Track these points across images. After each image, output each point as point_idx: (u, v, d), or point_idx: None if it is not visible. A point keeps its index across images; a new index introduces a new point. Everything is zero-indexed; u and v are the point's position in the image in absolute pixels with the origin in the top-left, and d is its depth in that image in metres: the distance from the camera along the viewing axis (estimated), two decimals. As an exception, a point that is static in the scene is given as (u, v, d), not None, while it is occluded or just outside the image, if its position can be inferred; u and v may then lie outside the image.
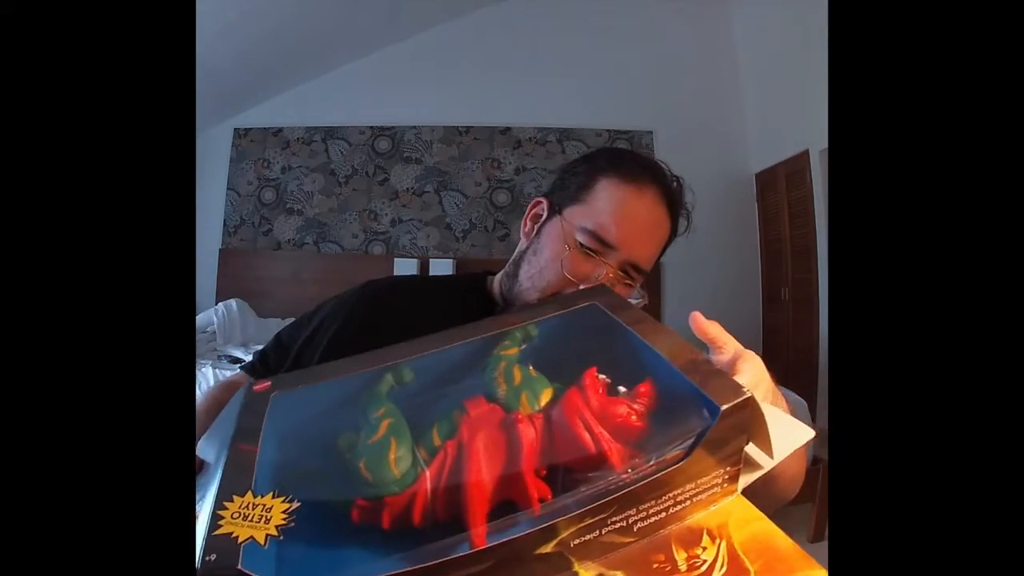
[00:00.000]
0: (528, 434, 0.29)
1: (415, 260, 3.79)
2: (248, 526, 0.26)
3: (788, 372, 3.39)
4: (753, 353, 0.43)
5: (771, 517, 0.33)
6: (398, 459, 0.28)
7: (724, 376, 0.31)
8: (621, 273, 0.62)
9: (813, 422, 2.11)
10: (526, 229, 0.70)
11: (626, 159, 0.67)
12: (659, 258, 0.67)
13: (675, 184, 0.67)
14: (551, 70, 3.94)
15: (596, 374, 0.32)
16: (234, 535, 0.26)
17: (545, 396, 0.31)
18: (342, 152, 3.99)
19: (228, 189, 3.99)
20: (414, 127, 3.99)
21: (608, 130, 3.98)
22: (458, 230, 3.93)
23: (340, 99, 3.98)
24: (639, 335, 0.35)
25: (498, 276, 0.72)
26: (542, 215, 0.68)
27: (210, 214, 3.93)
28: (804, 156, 3.33)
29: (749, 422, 0.30)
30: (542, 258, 0.65)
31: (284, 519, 0.26)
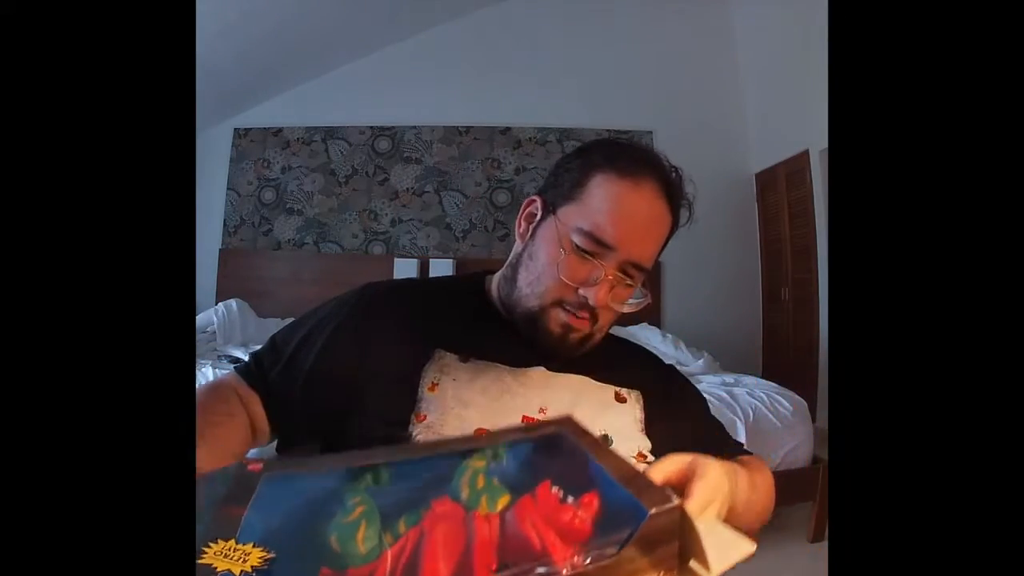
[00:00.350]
0: (483, 531, 0.33)
1: (415, 260, 3.79)
2: (227, 562, 0.29)
3: (788, 372, 3.39)
4: (715, 476, 0.43)
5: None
6: (366, 538, 0.32)
7: (658, 488, 0.35)
8: (620, 274, 0.60)
9: (813, 422, 2.11)
10: (521, 230, 0.67)
11: (621, 152, 0.63)
12: (661, 252, 0.64)
13: (674, 175, 0.63)
14: (551, 70, 3.94)
15: (549, 486, 0.36)
16: (214, 565, 0.29)
17: (502, 501, 0.35)
18: (342, 152, 3.99)
19: (228, 189, 3.99)
20: (414, 127, 3.99)
21: (608, 130, 3.97)
22: (458, 230, 3.93)
23: (340, 99, 3.98)
24: (593, 457, 0.40)
25: (496, 277, 0.70)
26: (536, 215, 0.65)
27: (210, 214, 3.93)
28: (804, 156, 3.33)
29: (679, 529, 0.35)
30: (538, 263, 0.62)
31: (260, 562, 0.30)
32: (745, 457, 0.66)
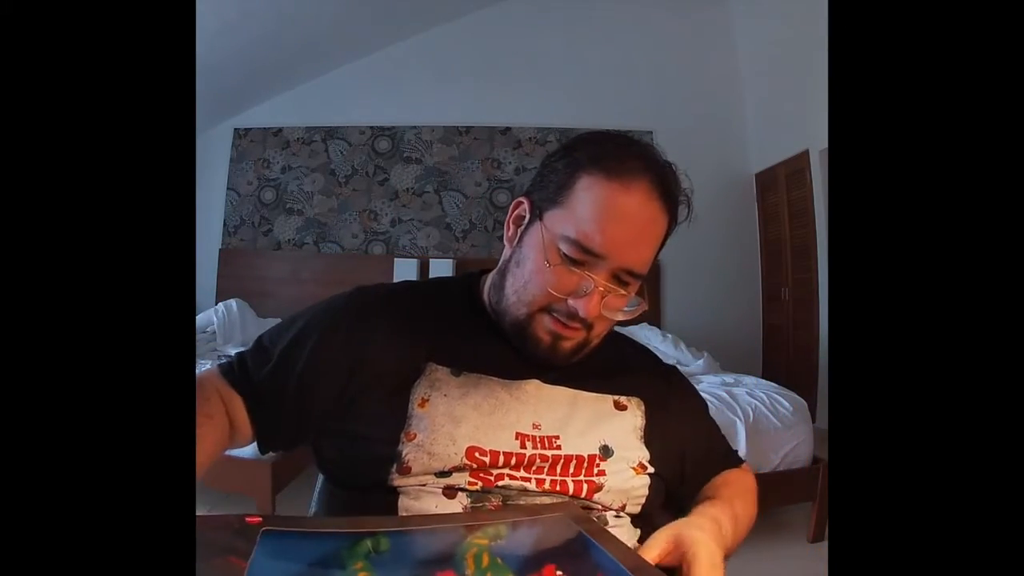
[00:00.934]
0: None
1: (415, 260, 3.79)
2: None
3: (788, 372, 3.40)
4: (708, 555, 0.45)
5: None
6: None
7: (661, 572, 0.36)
8: (613, 282, 0.56)
9: (813, 422, 2.11)
10: (509, 234, 0.63)
11: (608, 150, 0.58)
12: (658, 254, 0.60)
13: (668, 169, 0.58)
14: (551, 70, 3.94)
15: (554, 570, 0.36)
16: None
17: None
18: (342, 152, 3.99)
19: (228, 189, 3.99)
20: (414, 127, 3.99)
21: (608, 130, 3.97)
22: (458, 230, 3.93)
23: (340, 99, 3.98)
24: (597, 543, 0.40)
25: (488, 280, 0.66)
26: (524, 217, 0.61)
27: (210, 214, 3.93)
28: (804, 156, 3.33)
29: None
30: (525, 270, 0.58)
31: None
32: (731, 475, 0.67)
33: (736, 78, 3.99)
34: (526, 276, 0.58)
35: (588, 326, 0.58)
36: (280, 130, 4.01)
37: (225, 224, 3.98)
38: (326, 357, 0.59)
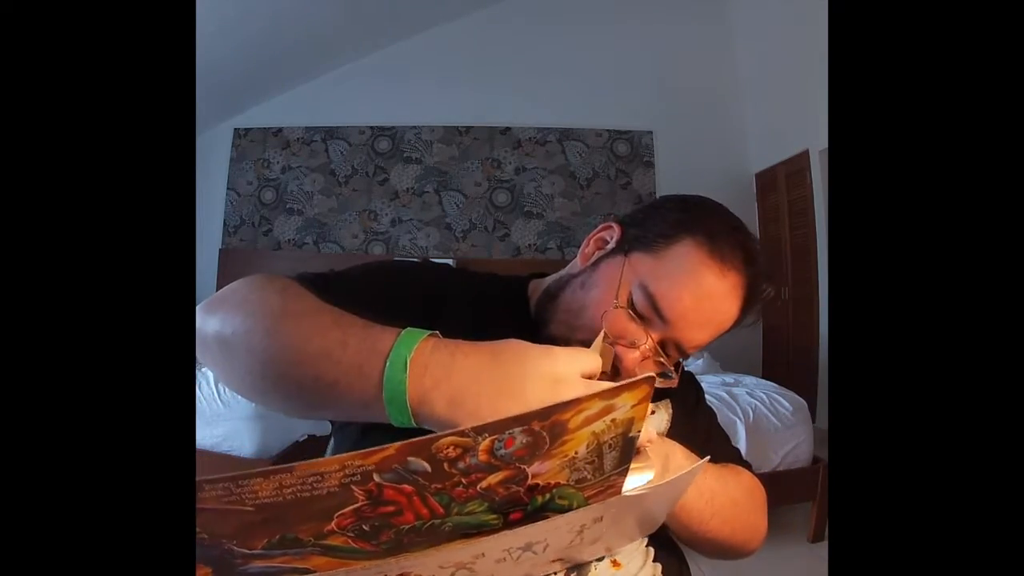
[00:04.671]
0: None
1: (415, 260, 3.79)
2: None
3: (788, 372, 3.40)
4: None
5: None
6: None
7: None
8: (659, 347, 0.54)
9: (813, 422, 2.11)
10: (587, 250, 0.61)
11: (725, 226, 0.56)
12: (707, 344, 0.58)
13: (761, 271, 0.56)
14: (551, 70, 3.94)
15: None
16: None
17: None
18: (342, 152, 3.99)
19: (228, 189, 3.99)
20: (414, 127, 3.99)
21: (608, 130, 3.98)
22: (458, 230, 3.93)
23: (340, 99, 3.98)
24: None
25: (540, 287, 0.64)
26: (607, 243, 0.60)
27: (210, 214, 3.93)
28: (804, 156, 3.33)
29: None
30: (587, 297, 0.56)
31: None
32: (732, 465, 0.65)
33: (736, 78, 3.99)
34: (586, 302, 0.56)
35: (616, 374, 0.56)
36: (280, 130, 4.01)
37: (225, 224, 3.98)
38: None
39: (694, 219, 0.56)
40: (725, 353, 3.05)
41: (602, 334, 0.50)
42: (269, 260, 3.89)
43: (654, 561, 0.56)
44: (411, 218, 3.96)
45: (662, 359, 0.55)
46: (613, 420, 0.30)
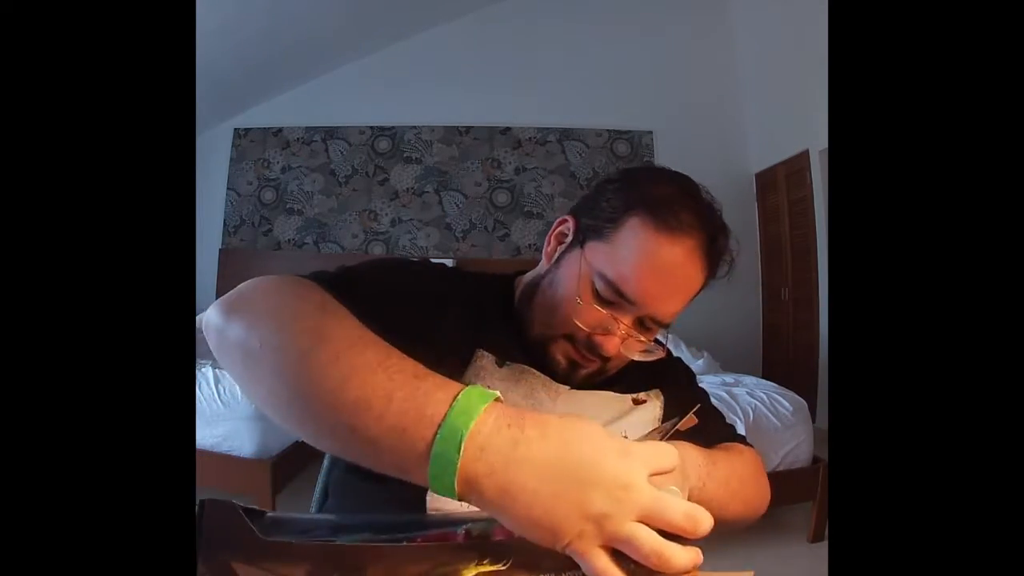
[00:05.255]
0: None
1: (419, 260, 3.79)
2: None
3: (788, 372, 3.40)
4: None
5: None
6: None
7: None
8: (637, 326, 0.55)
9: (813, 422, 2.11)
10: (548, 249, 0.62)
11: (665, 197, 0.55)
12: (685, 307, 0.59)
13: (720, 231, 0.57)
14: (551, 70, 3.94)
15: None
16: None
17: None
18: (342, 152, 3.99)
19: (228, 189, 3.99)
20: (414, 127, 3.99)
21: (608, 130, 3.98)
22: (458, 230, 3.93)
23: (340, 99, 3.98)
24: None
25: (521, 286, 0.66)
26: (567, 236, 0.61)
27: (210, 214, 3.93)
28: (804, 156, 3.33)
29: None
30: (556, 294, 0.58)
31: None
32: (727, 444, 0.65)
33: (736, 78, 3.99)
34: (556, 300, 0.58)
35: (605, 359, 0.58)
36: (280, 130, 4.01)
37: (225, 224, 3.98)
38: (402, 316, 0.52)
39: (636, 195, 0.56)
40: (725, 353, 3.05)
41: (654, 432, 0.51)
42: (269, 260, 3.89)
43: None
44: (411, 218, 3.95)
45: (641, 338, 0.56)
46: None
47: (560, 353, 0.58)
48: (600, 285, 0.54)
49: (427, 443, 0.33)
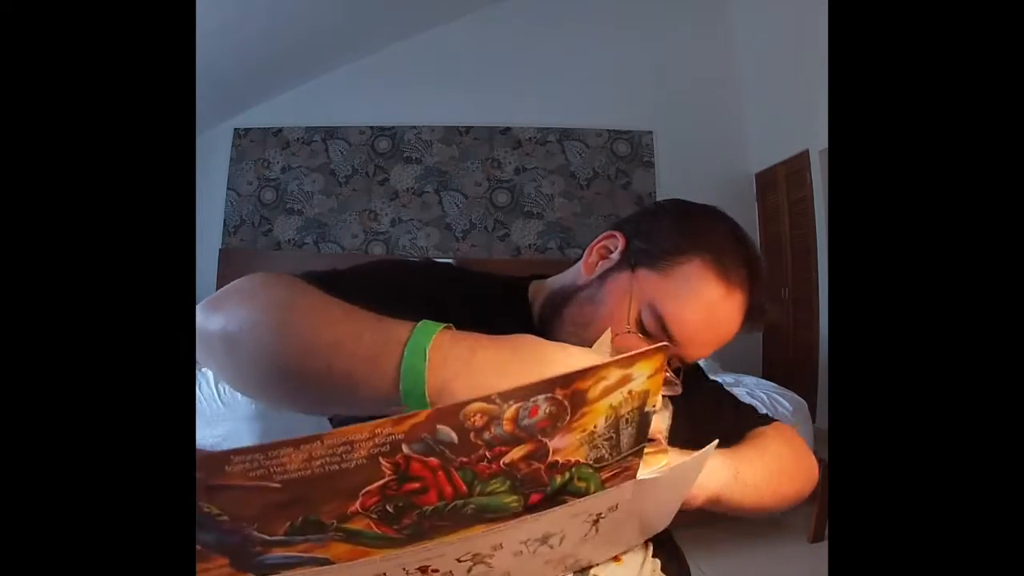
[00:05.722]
0: None
1: (418, 260, 3.79)
2: None
3: (788, 372, 3.39)
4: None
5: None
6: None
7: None
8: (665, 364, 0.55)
9: (813, 422, 2.11)
10: (590, 260, 0.60)
11: (728, 244, 0.56)
12: None
13: (763, 287, 0.57)
14: (551, 70, 3.94)
15: None
16: None
17: None
18: (342, 152, 3.99)
19: (228, 189, 3.99)
20: (414, 127, 3.98)
21: (608, 130, 3.98)
22: (458, 230, 3.93)
23: (340, 99, 3.98)
24: None
25: (541, 292, 0.64)
26: (611, 253, 0.59)
27: (210, 214, 3.92)
28: (804, 156, 3.33)
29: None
30: (596, 312, 0.56)
31: None
32: (760, 429, 0.65)
33: (736, 78, 3.99)
34: (595, 317, 0.56)
35: None
36: (280, 130, 4.01)
37: (225, 224, 3.98)
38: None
39: (699, 234, 0.56)
40: (725, 353, 3.02)
41: (608, 332, 0.51)
42: (269, 260, 3.88)
43: (653, 557, 0.56)
44: (411, 218, 3.95)
45: (668, 373, 0.54)
46: (630, 392, 0.31)
47: None
48: (647, 316, 0.54)
49: (396, 363, 0.37)
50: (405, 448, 0.28)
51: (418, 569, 0.34)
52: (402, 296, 0.56)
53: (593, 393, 0.30)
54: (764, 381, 2.29)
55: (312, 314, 0.42)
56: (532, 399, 0.29)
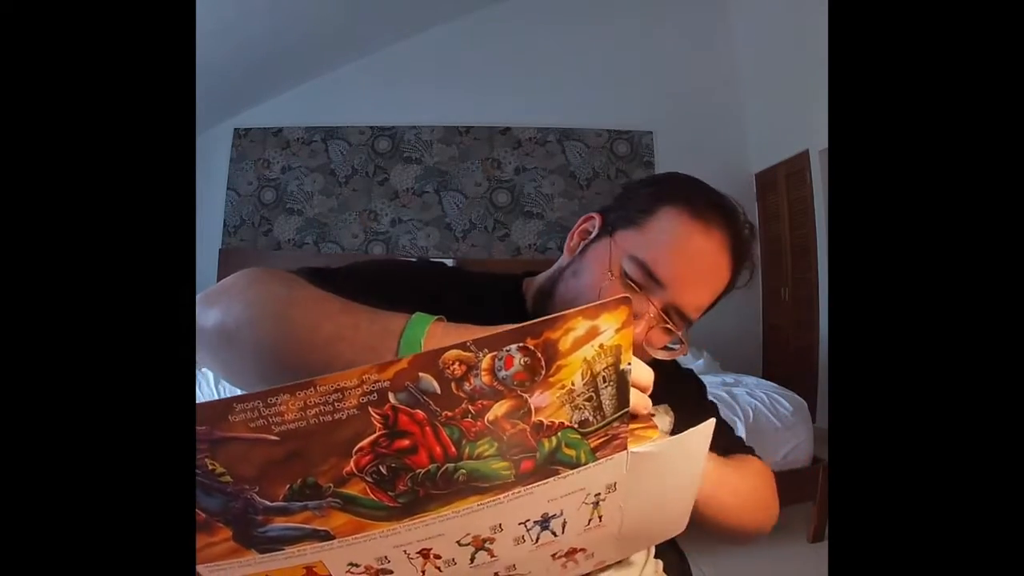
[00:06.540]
0: None
1: (411, 259, 3.79)
2: None
3: (788, 372, 3.40)
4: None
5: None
6: None
7: None
8: (663, 315, 0.55)
9: (813, 422, 2.11)
10: (571, 244, 0.63)
11: (699, 191, 0.59)
12: (710, 308, 0.60)
13: (747, 231, 0.59)
14: (551, 70, 3.94)
15: None
16: None
17: None
18: (342, 152, 3.99)
19: (228, 189, 3.99)
20: (414, 127, 3.99)
21: (608, 130, 3.98)
22: (458, 230, 3.93)
23: (340, 99, 3.98)
24: None
25: (533, 285, 0.65)
26: (591, 232, 0.61)
27: (210, 214, 3.93)
28: (804, 156, 3.33)
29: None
30: (581, 282, 0.58)
31: None
32: (746, 456, 0.66)
33: (736, 78, 3.99)
34: (581, 287, 0.57)
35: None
36: (280, 130, 4.01)
37: (225, 224, 3.98)
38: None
39: (668, 189, 0.59)
40: (725, 353, 3.05)
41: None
42: (269, 260, 3.88)
43: (655, 558, 0.56)
44: (411, 218, 3.95)
45: (669, 325, 0.56)
46: (601, 346, 0.31)
47: None
48: (630, 267, 0.55)
49: (393, 352, 0.39)
50: (392, 398, 0.29)
51: (419, 553, 0.35)
52: (396, 291, 0.56)
53: (564, 344, 0.30)
54: (764, 381, 2.29)
55: (309, 307, 0.43)
56: (505, 348, 0.30)
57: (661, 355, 0.58)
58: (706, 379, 2.36)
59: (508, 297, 0.66)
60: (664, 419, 0.62)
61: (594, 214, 0.63)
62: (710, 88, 3.98)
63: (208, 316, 0.44)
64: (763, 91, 3.79)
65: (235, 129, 4.02)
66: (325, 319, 0.41)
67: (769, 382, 2.26)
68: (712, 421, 0.41)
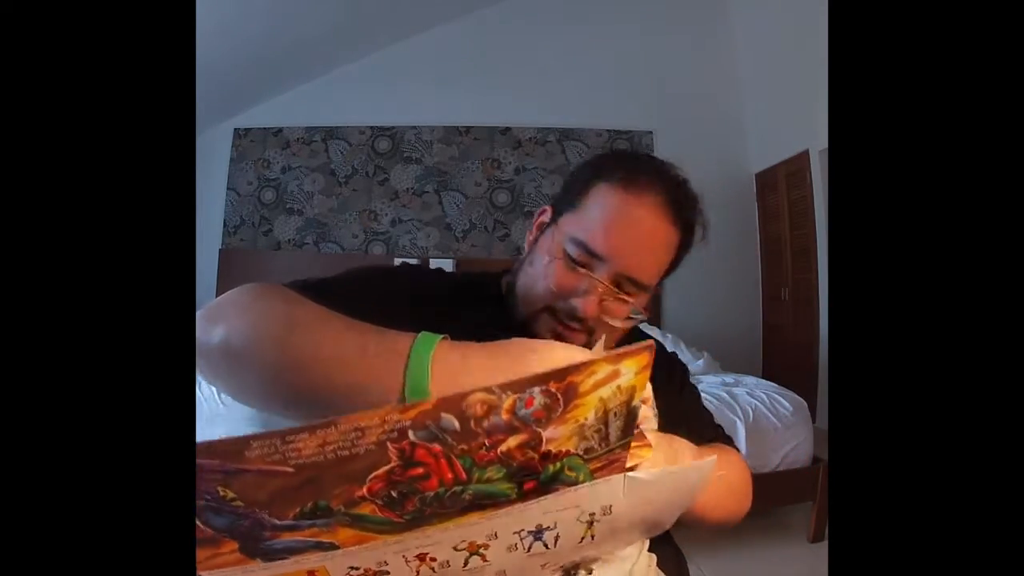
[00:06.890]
0: None
1: (415, 260, 3.79)
2: None
3: (788, 372, 3.40)
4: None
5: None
6: None
7: None
8: (614, 287, 0.57)
9: (813, 422, 2.11)
10: (530, 237, 0.67)
11: (624, 162, 0.61)
12: (670, 271, 0.62)
13: (682, 188, 0.60)
14: (551, 70, 3.94)
15: None
16: None
17: None
18: (342, 152, 3.99)
19: (228, 189, 3.99)
20: (414, 127, 3.99)
21: (608, 130, 3.98)
22: (458, 230, 3.93)
23: (340, 99, 3.98)
24: None
25: (507, 281, 0.69)
26: (546, 223, 0.65)
27: (210, 214, 3.93)
28: (804, 156, 3.33)
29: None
30: (535, 269, 0.61)
31: None
32: (724, 446, 0.67)
33: (736, 78, 3.99)
34: (534, 275, 0.61)
35: (589, 330, 0.58)
36: (280, 130, 4.01)
37: (225, 224, 3.98)
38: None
39: (603, 167, 0.61)
40: (725, 353, 3.05)
41: (602, 340, 0.51)
42: (269, 260, 3.89)
43: (649, 551, 0.56)
44: (411, 218, 3.95)
45: (622, 296, 0.58)
46: (619, 387, 0.32)
47: (544, 329, 0.60)
48: (572, 249, 0.57)
49: (400, 374, 0.39)
50: (411, 435, 0.29)
51: (416, 557, 0.35)
52: (387, 299, 0.57)
53: (585, 387, 0.31)
54: (764, 381, 2.29)
55: (314, 328, 0.43)
56: (528, 391, 0.30)
57: (622, 325, 0.59)
58: (706, 379, 2.35)
59: (487, 294, 0.69)
60: (653, 422, 0.62)
61: (547, 206, 0.66)
62: (710, 88, 3.98)
63: (212, 334, 0.44)
64: (763, 91, 3.79)
65: (235, 129, 4.02)
66: (329, 340, 0.42)
67: (769, 382, 2.26)
68: (714, 459, 0.41)
